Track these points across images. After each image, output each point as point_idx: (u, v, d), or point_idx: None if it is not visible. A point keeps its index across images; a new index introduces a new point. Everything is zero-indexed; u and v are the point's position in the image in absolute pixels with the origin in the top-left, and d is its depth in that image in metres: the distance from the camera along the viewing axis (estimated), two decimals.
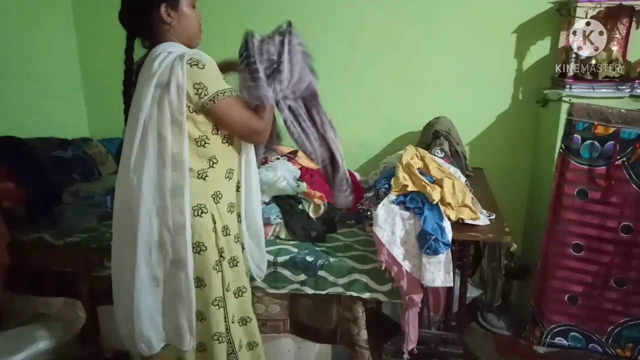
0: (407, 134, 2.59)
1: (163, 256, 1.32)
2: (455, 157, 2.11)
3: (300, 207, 1.97)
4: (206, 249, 1.35)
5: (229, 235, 1.43)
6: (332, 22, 2.59)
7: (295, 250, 1.81)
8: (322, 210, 2.00)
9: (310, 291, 1.75)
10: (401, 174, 1.77)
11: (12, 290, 1.87)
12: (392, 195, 1.73)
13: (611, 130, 1.87)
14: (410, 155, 1.84)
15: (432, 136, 2.15)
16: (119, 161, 1.37)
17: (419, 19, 2.50)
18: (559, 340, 2.08)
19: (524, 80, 2.46)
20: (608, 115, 1.87)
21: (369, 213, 1.77)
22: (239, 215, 1.49)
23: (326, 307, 1.80)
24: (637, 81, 2.11)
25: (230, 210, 1.44)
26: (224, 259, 1.41)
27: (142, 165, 1.27)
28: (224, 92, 1.28)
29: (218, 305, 1.39)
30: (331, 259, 1.76)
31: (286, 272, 1.76)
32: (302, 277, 1.74)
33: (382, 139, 2.63)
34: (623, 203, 1.90)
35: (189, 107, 1.27)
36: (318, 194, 2.03)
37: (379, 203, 1.71)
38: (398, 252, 1.67)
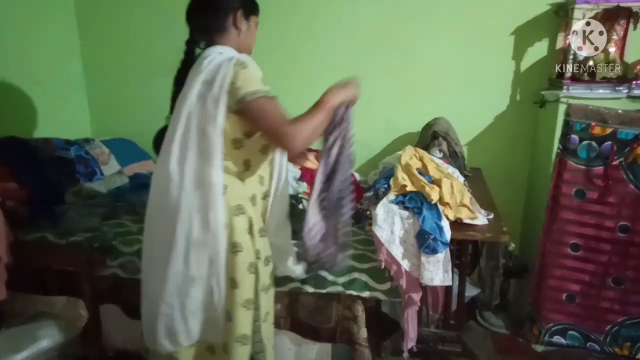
0: (406, 135, 2.60)
1: (201, 254, 1.31)
2: (453, 157, 2.13)
3: (300, 207, 1.98)
4: (242, 250, 1.35)
5: (264, 236, 1.45)
6: (332, 22, 2.60)
7: (295, 250, 1.82)
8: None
9: (310, 290, 1.76)
10: (400, 174, 1.79)
11: (14, 290, 1.87)
12: (391, 195, 1.75)
13: (608, 130, 1.89)
14: (409, 155, 1.85)
15: (430, 137, 2.17)
16: (158, 151, 1.38)
17: (417, 20, 2.51)
18: (557, 338, 2.09)
19: (522, 82, 2.47)
20: (605, 116, 1.88)
21: (368, 212, 1.78)
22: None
23: (326, 306, 1.81)
24: (634, 82, 2.12)
25: (262, 214, 1.47)
26: (259, 260, 1.41)
27: (184, 159, 1.28)
28: (258, 92, 1.26)
29: (246, 307, 1.38)
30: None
31: None
32: (302, 277, 1.76)
33: (381, 139, 2.65)
34: (620, 203, 1.91)
35: (228, 107, 1.28)
36: None
37: (378, 203, 1.73)
38: (397, 251, 1.68)
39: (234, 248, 1.34)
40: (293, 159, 1.66)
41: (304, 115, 1.30)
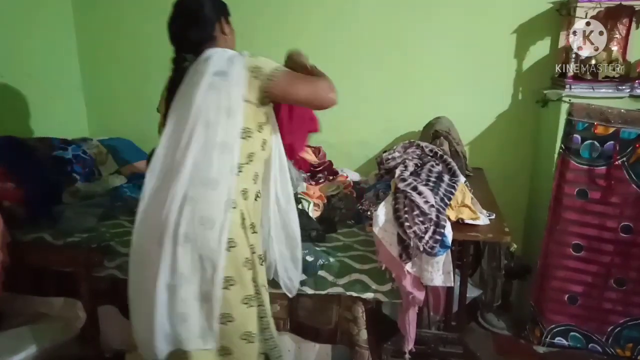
0: (407, 134, 2.59)
1: (192, 252, 1.28)
2: (455, 157, 2.11)
3: (300, 206, 1.97)
4: (236, 245, 1.33)
5: (257, 233, 1.44)
6: (333, 22, 2.59)
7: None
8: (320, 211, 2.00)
9: (310, 291, 1.75)
10: None
11: (12, 290, 1.86)
12: (392, 196, 1.73)
13: (611, 130, 1.87)
14: None
15: (432, 136, 2.15)
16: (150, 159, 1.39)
17: (419, 19, 2.50)
18: (558, 340, 2.08)
19: (524, 81, 2.45)
20: (608, 115, 1.87)
21: (368, 213, 1.77)
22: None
23: (326, 307, 1.80)
24: (637, 81, 2.11)
25: (254, 209, 1.45)
26: (255, 254, 1.40)
27: (187, 154, 1.28)
28: (279, 69, 1.36)
29: (248, 304, 1.36)
30: (331, 259, 1.76)
31: None
32: (302, 277, 1.74)
33: (382, 138, 2.63)
34: (623, 203, 1.90)
35: (243, 94, 1.32)
36: (318, 193, 2.03)
37: (379, 203, 1.71)
38: (398, 252, 1.67)
39: (228, 244, 1.32)
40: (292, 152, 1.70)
41: (321, 75, 1.44)
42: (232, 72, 1.31)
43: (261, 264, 1.45)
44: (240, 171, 1.35)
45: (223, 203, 1.30)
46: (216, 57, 1.35)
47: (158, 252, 1.27)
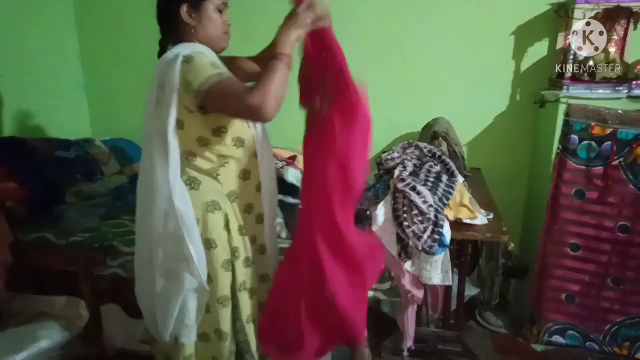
0: (406, 135, 2.59)
1: (173, 250, 1.34)
2: (453, 157, 2.12)
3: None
4: (216, 246, 1.36)
5: (245, 235, 1.43)
6: (332, 22, 2.59)
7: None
8: None
9: None
10: None
11: (14, 290, 1.87)
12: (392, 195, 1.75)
13: (608, 130, 1.89)
14: None
15: (430, 137, 2.17)
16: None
17: (417, 20, 2.50)
18: (556, 338, 2.09)
19: (522, 81, 2.46)
20: (605, 116, 1.88)
21: (368, 213, 1.78)
22: (261, 217, 1.48)
23: None
24: (634, 82, 2.12)
25: (247, 211, 1.44)
26: (237, 258, 1.41)
27: (152, 163, 1.32)
28: (209, 79, 1.19)
29: (222, 304, 1.40)
30: None
31: None
32: None
33: (381, 139, 2.64)
34: (620, 203, 1.91)
35: (185, 107, 1.26)
36: None
37: (378, 203, 1.73)
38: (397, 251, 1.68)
39: (207, 244, 1.36)
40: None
41: (263, 76, 1.17)
42: (167, 86, 1.24)
43: (246, 266, 1.43)
44: (217, 175, 1.37)
45: (205, 204, 1.36)
46: (159, 62, 1.29)
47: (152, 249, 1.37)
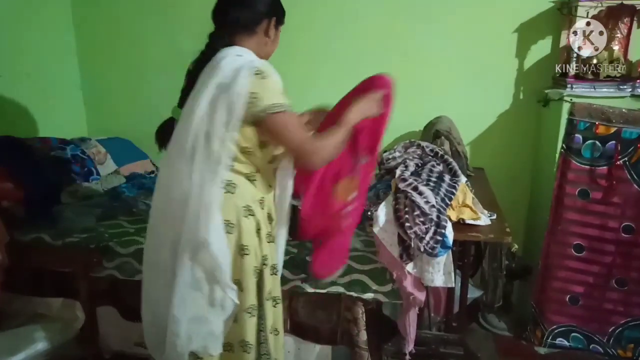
0: (408, 134, 2.58)
1: (205, 258, 1.27)
2: (456, 157, 2.10)
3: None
4: (249, 253, 1.32)
5: (273, 242, 1.41)
6: (333, 22, 2.58)
7: (296, 250, 1.80)
8: None
9: (310, 289, 1.74)
10: None
11: (10, 291, 1.85)
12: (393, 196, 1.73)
13: (612, 130, 1.86)
14: None
15: (433, 136, 2.15)
16: (161, 144, 1.38)
17: (420, 19, 2.49)
18: (560, 341, 2.07)
19: (525, 80, 2.45)
20: (609, 115, 1.86)
21: (369, 213, 1.76)
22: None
23: (326, 306, 1.80)
24: (638, 81, 2.10)
25: (270, 220, 1.43)
26: (266, 266, 1.38)
27: (192, 161, 1.25)
28: (280, 106, 1.23)
29: (250, 313, 1.35)
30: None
31: (286, 272, 1.75)
32: (302, 276, 1.74)
33: (383, 138, 2.62)
34: (624, 203, 1.89)
35: (244, 118, 1.24)
36: None
37: (380, 203, 1.70)
38: (399, 253, 1.66)
39: (241, 250, 1.31)
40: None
41: (326, 133, 1.32)
42: (232, 91, 1.21)
43: (272, 274, 1.41)
44: (254, 180, 1.34)
45: (238, 209, 1.31)
46: (226, 62, 1.26)
47: (172, 258, 1.28)
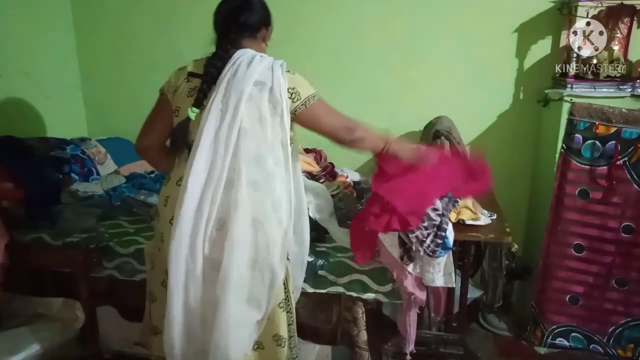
0: (408, 134, 2.57)
1: (261, 273, 1.31)
2: None
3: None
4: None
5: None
6: (334, 22, 2.57)
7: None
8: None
9: (310, 289, 1.74)
10: None
11: (10, 291, 1.85)
12: None
13: (612, 130, 1.87)
14: None
15: (432, 136, 2.14)
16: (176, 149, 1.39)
17: (420, 19, 2.48)
18: (560, 341, 2.07)
19: (525, 80, 2.44)
20: (609, 115, 1.86)
21: None
22: None
23: (326, 306, 1.79)
24: (638, 81, 2.10)
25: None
26: (289, 261, 1.44)
27: (240, 163, 1.29)
28: (315, 96, 1.38)
29: (282, 307, 1.39)
30: (331, 259, 1.75)
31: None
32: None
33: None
34: (624, 203, 1.89)
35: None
36: None
37: None
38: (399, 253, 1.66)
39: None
40: None
41: (371, 130, 1.47)
42: (275, 88, 1.31)
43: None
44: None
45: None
46: (256, 62, 1.32)
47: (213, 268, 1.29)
